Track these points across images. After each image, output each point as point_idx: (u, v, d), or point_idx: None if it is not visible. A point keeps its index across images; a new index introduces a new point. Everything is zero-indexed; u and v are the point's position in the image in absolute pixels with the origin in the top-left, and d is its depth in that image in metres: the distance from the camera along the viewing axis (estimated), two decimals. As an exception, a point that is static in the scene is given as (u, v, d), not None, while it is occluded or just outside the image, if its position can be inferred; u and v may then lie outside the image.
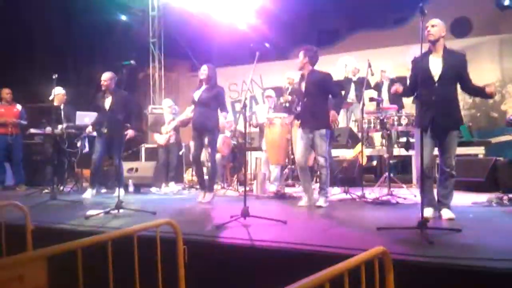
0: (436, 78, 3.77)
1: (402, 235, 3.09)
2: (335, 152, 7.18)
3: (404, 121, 5.95)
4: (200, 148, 5.53)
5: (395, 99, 7.36)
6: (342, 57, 8.77)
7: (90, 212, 4.26)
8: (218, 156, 6.37)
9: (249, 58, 4.69)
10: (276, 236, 3.14)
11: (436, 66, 3.80)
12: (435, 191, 3.96)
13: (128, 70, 5.16)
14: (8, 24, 9.23)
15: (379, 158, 8.00)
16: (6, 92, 7.60)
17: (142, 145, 8.96)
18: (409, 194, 5.41)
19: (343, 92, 7.93)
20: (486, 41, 9.07)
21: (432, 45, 3.84)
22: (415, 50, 3.77)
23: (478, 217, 4.03)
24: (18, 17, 9.60)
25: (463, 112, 8.77)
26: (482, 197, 4.96)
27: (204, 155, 5.71)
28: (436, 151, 3.96)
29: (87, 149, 7.19)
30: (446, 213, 3.80)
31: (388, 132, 6.12)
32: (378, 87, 8.24)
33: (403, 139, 7.08)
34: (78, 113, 7.30)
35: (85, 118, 7.10)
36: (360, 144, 6.30)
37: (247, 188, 4.28)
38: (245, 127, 4.48)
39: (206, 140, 5.41)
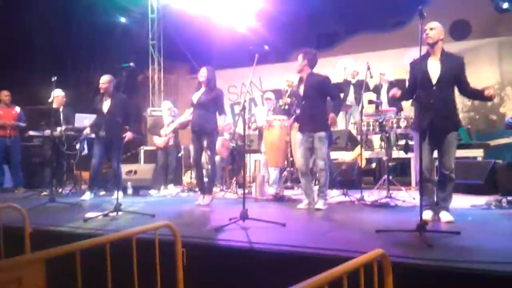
0: (434, 81, 3.78)
1: (401, 237, 3.09)
2: (334, 155, 7.18)
3: (403, 123, 5.96)
4: (200, 151, 5.52)
5: (394, 101, 7.37)
6: (341, 59, 8.79)
7: (89, 215, 4.25)
8: (217, 158, 6.37)
9: (249, 60, 4.69)
10: (275, 238, 3.13)
11: (434, 69, 3.80)
12: (434, 193, 3.96)
13: (128, 72, 5.17)
14: (7, 26, 9.23)
15: (378, 161, 8.00)
16: (5, 94, 7.59)
17: (141, 147, 8.96)
18: (408, 196, 5.41)
19: (342, 95, 7.94)
20: (485, 44, 9.09)
21: (430, 48, 3.85)
22: (415, 54, 3.78)
23: (477, 219, 4.03)
24: (18, 19, 9.60)
25: (462, 115, 8.81)
26: (481, 200, 4.96)
27: (204, 158, 5.71)
28: (435, 154, 3.97)
29: (86, 151, 7.19)
30: (445, 216, 3.81)
31: (387, 134, 6.13)
32: (377, 89, 8.25)
33: (402, 142, 7.08)
34: (77, 115, 7.29)
35: (85, 120, 7.08)
36: (359, 146, 6.30)
37: (246, 191, 4.28)
38: (244, 130, 4.47)
39: (205, 143, 5.41)
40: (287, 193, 6.38)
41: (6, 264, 1.67)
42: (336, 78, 8.09)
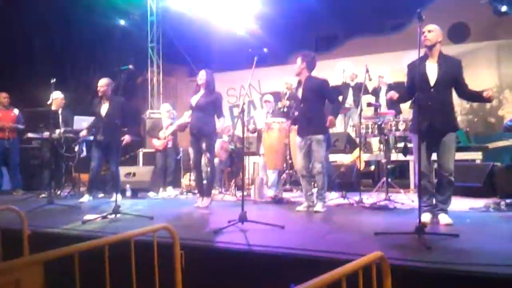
0: (432, 83, 3.79)
1: (400, 240, 3.09)
2: (332, 157, 7.18)
3: (401, 126, 5.96)
4: (199, 153, 5.52)
5: (393, 104, 7.38)
6: (340, 62, 8.80)
7: (87, 217, 4.24)
8: (216, 160, 6.37)
9: (247, 63, 4.68)
10: (273, 241, 3.13)
11: (432, 71, 3.82)
12: (433, 196, 3.96)
13: (127, 75, 5.18)
14: (7, 29, 9.23)
15: (377, 163, 8.00)
16: (4, 96, 7.59)
17: (140, 149, 8.96)
18: (407, 199, 5.42)
19: (340, 98, 7.95)
20: (483, 46, 9.12)
21: (428, 50, 3.87)
22: (413, 56, 3.79)
23: (475, 222, 4.03)
24: (17, 21, 9.60)
25: (460, 118, 8.82)
26: (480, 203, 4.96)
27: (204, 160, 5.71)
28: (434, 156, 3.97)
29: (84, 153, 7.19)
30: (443, 219, 3.81)
31: (386, 137, 6.14)
32: (375, 92, 8.26)
33: (401, 144, 7.09)
34: (76, 117, 7.29)
35: (83, 122, 7.08)
36: (358, 149, 6.31)
37: (245, 193, 4.27)
38: (243, 132, 4.47)
39: (204, 145, 5.41)
40: (285, 195, 6.38)
41: (5, 267, 1.66)
42: (334, 80, 8.10)
